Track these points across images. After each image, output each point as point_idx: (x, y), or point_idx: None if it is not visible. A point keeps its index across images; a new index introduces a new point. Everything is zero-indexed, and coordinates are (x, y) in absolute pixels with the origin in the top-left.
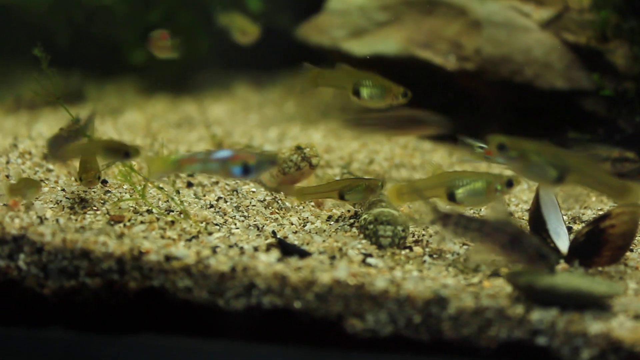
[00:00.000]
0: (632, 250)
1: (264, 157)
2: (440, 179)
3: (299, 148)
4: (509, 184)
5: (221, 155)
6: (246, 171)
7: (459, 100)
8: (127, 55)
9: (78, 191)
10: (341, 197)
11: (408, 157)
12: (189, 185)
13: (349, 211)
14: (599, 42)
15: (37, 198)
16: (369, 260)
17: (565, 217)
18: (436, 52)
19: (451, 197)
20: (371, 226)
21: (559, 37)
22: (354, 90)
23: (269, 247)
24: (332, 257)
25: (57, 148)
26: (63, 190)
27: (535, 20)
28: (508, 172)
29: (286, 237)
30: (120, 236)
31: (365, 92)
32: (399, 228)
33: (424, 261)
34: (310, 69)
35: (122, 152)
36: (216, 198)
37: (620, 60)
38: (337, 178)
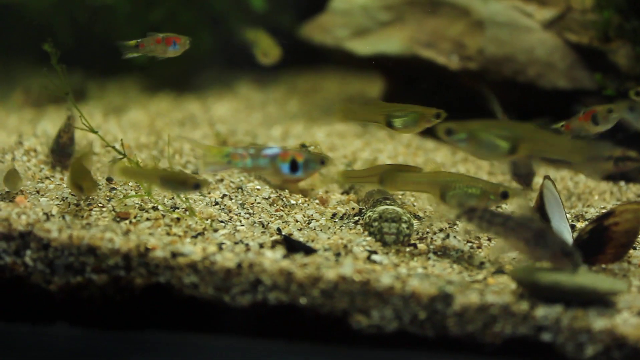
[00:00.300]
0: (635, 248)
1: (313, 156)
2: (436, 177)
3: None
4: (504, 195)
5: (271, 152)
6: (294, 169)
7: (461, 99)
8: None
9: None
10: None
11: (411, 155)
12: None
13: (353, 209)
14: (601, 42)
15: (42, 195)
16: (374, 257)
17: (568, 215)
18: (439, 51)
19: (442, 197)
20: (376, 223)
21: (562, 37)
22: (388, 123)
23: (274, 244)
24: (337, 254)
25: (63, 155)
26: None
27: (538, 20)
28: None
29: (291, 234)
30: (127, 233)
31: (398, 122)
32: (404, 225)
33: (429, 258)
34: (341, 105)
35: (190, 184)
36: (221, 195)
37: (622, 60)
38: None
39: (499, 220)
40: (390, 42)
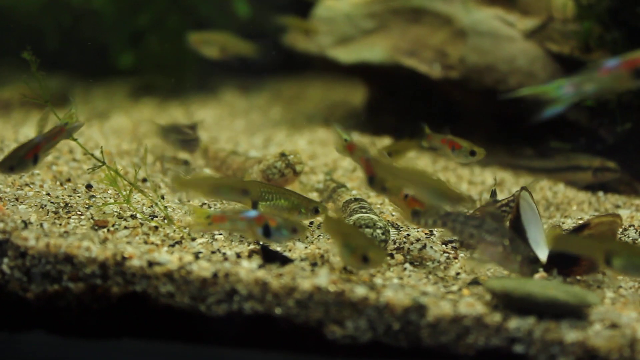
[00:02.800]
0: None
1: (286, 223)
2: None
3: (283, 155)
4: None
5: (248, 215)
6: (267, 233)
7: (442, 108)
8: (115, 59)
9: (63, 196)
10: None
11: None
12: (174, 190)
13: None
14: (582, 53)
15: (21, 202)
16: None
17: (545, 226)
18: (421, 60)
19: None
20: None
21: (543, 47)
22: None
23: (251, 254)
24: (314, 264)
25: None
26: (48, 194)
27: (519, 30)
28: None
29: (266, 244)
30: (104, 241)
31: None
32: (378, 231)
33: (405, 268)
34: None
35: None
36: (200, 204)
37: None
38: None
39: (474, 223)
40: (373, 51)
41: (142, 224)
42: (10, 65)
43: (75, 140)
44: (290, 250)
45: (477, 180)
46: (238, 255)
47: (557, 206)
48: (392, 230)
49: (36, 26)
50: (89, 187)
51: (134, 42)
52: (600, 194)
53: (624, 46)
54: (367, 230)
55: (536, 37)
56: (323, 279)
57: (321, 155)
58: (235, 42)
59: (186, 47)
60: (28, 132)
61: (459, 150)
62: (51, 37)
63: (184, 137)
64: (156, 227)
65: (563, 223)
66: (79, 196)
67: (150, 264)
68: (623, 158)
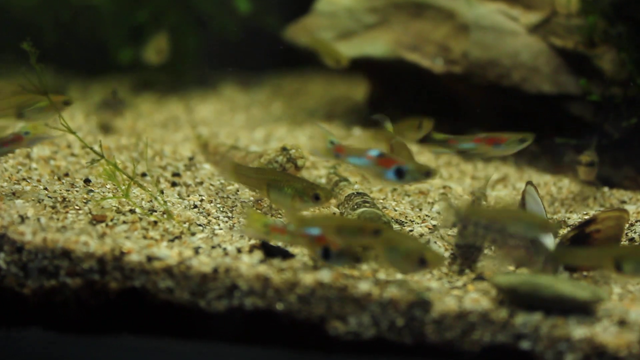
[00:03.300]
0: None
1: (349, 250)
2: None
3: (284, 149)
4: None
5: (310, 232)
6: (326, 256)
7: (445, 103)
8: (113, 55)
9: (60, 190)
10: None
11: None
12: (173, 185)
13: (334, 214)
14: (586, 47)
15: (18, 197)
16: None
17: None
18: (424, 55)
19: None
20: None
21: (547, 42)
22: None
23: (252, 249)
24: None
25: None
26: (45, 189)
27: (523, 24)
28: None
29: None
30: (102, 236)
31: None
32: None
33: None
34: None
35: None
36: (200, 199)
37: (607, 66)
38: None
39: (497, 227)
40: (375, 45)
41: (141, 219)
42: (8, 61)
43: (74, 133)
44: (291, 245)
45: (480, 176)
46: (239, 250)
47: (562, 201)
48: (396, 226)
49: (35, 22)
50: (87, 181)
51: (133, 37)
52: (606, 189)
53: (628, 40)
54: None
55: (540, 32)
56: (325, 274)
57: None
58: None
59: (185, 42)
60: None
61: (506, 144)
62: (50, 32)
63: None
64: (155, 222)
65: (568, 218)
66: (76, 191)
67: (149, 259)
68: (628, 153)
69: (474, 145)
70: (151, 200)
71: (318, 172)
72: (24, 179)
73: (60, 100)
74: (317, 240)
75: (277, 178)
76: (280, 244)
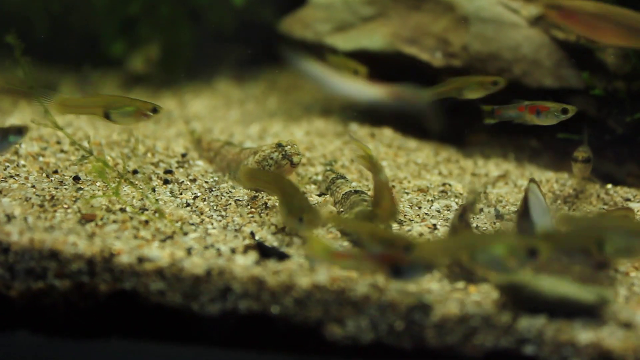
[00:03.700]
0: None
1: (419, 262)
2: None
3: (279, 145)
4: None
5: (373, 253)
6: (397, 273)
7: (445, 97)
8: (106, 48)
9: (49, 188)
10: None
11: (392, 155)
12: (166, 182)
13: (331, 212)
14: (589, 40)
15: (5, 195)
16: None
17: (554, 220)
18: (422, 48)
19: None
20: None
21: (548, 34)
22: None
23: (246, 249)
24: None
25: None
26: (33, 186)
27: (524, 17)
28: None
29: (262, 239)
30: (91, 236)
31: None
32: (381, 226)
33: None
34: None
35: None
36: (193, 197)
37: (610, 59)
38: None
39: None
40: (373, 38)
41: (131, 218)
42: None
43: (61, 129)
44: (287, 245)
45: (480, 172)
46: (233, 251)
47: (565, 199)
48: (394, 225)
49: (25, 15)
50: (76, 179)
51: (125, 30)
52: (609, 186)
53: None
54: None
55: (541, 24)
56: (322, 276)
57: (319, 146)
58: None
59: (179, 36)
60: (14, 122)
61: (546, 112)
62: (40, 26)
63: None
64: (147, 221)
65: None
66: (65, 188)
67: (140, 260)
68: (632, 149)
69: (518, 113)
70: (142, 199)
71: (315, 169)
72: (11, 176)
73: (148, 107)
74: (383, 259)
75: (289, 190)
76: (272, 240)
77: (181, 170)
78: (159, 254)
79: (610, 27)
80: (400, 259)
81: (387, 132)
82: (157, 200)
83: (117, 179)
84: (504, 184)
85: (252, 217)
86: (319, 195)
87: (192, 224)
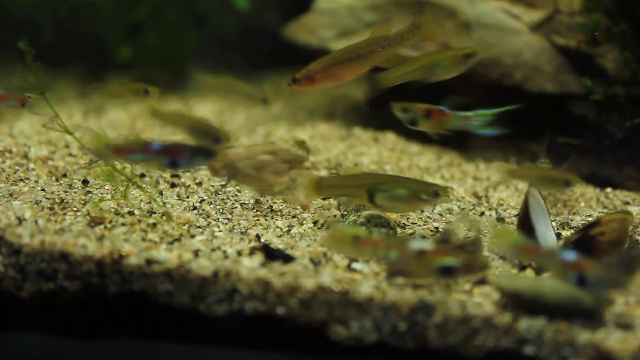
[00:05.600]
0: None
1: (607, 272)
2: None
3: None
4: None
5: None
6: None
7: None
8: (113, 52)
9: (58, 191)
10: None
11: (395, 159)
12: (173, 186)
13: (334, 216)
14: (589, 46)
15: (15, 198)
16: (355, 265)
17: (553, 223)
18: None
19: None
20: (363, 228)
21: (549, 40)
22: None
23: (252, 251)
24: (317, 263)
25: None
26: (43, 190)
27: (525, 23)
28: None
29: (267, 241)
30: (101, 238)
31: None
32: (391, 232)
33: None
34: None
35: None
36: (200, 200)
37: (610, 64)
38: None
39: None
40: None
41: (139, 221)
42: (5, 58)
43: (71, 134)
44: (292, 248)
45: (482, 176)
46: (239, 253)
47: (565, 203)
48: (398, 230)
49: (32, 19)
50: (85, 182)
51: (132, 35)
52: (609, 190)
53: (632, 39)
54: (383, 229)
55: (542, 30)
56: (327, 277)
57: (323, 150)
58: None
59: (184, 40)
60: (23, 126)
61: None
62: (47, 30)
63: None
64: (154, 224)
65: (572, 220)
66: (75, 192)
67: (149, 262)
68: (632, 153)
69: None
70: (150, 202)
71: (319, 173)
72: (21, 180)
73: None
74: (572, 266)
75: (378, 181)
76: (278, 242)
77: (187, 174)
78: (167, 256)
79: (347, 67)
80: (589, 269)
81: (390, 136)
82: (164, 203)
83: (126, 183)
84: (505, 187)
85: (258, 220)
86: (323, 199)
87: (199, 227)
